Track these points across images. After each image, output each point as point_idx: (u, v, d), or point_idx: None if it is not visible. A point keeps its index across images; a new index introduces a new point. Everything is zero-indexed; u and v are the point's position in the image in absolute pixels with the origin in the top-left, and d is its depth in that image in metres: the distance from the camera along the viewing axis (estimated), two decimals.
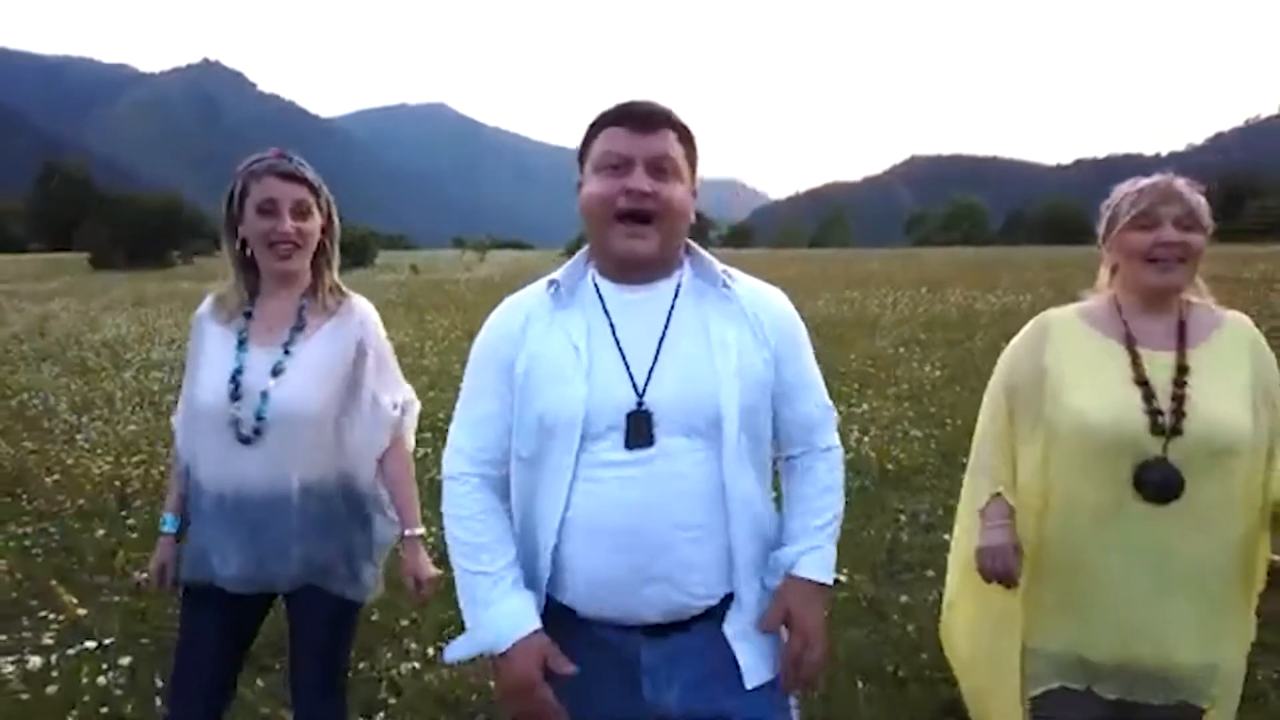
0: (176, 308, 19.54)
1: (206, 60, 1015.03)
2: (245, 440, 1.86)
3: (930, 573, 3.79)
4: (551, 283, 1.51)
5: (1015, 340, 2.00)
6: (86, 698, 2.87)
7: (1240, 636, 1.88)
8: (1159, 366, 1.80)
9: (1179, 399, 1.76)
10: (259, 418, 1.85)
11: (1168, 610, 1.78)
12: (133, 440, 6.55)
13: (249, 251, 1.93)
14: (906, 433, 6.39)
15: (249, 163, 1.92)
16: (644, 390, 1.41)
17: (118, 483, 5.35)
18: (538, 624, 1.43)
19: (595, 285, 1.50)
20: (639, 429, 1.39)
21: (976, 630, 2.04)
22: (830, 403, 1.62)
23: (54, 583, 3.86)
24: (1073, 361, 1.86)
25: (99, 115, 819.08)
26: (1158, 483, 1.74)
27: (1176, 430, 1.74)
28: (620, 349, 1.44)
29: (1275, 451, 1.80)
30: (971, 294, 17.74)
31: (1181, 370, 1.78)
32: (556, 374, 1.43)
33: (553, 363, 1.44)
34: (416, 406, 2.14)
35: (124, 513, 4.83)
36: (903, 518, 4.58)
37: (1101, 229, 1.91)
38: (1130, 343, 1.83)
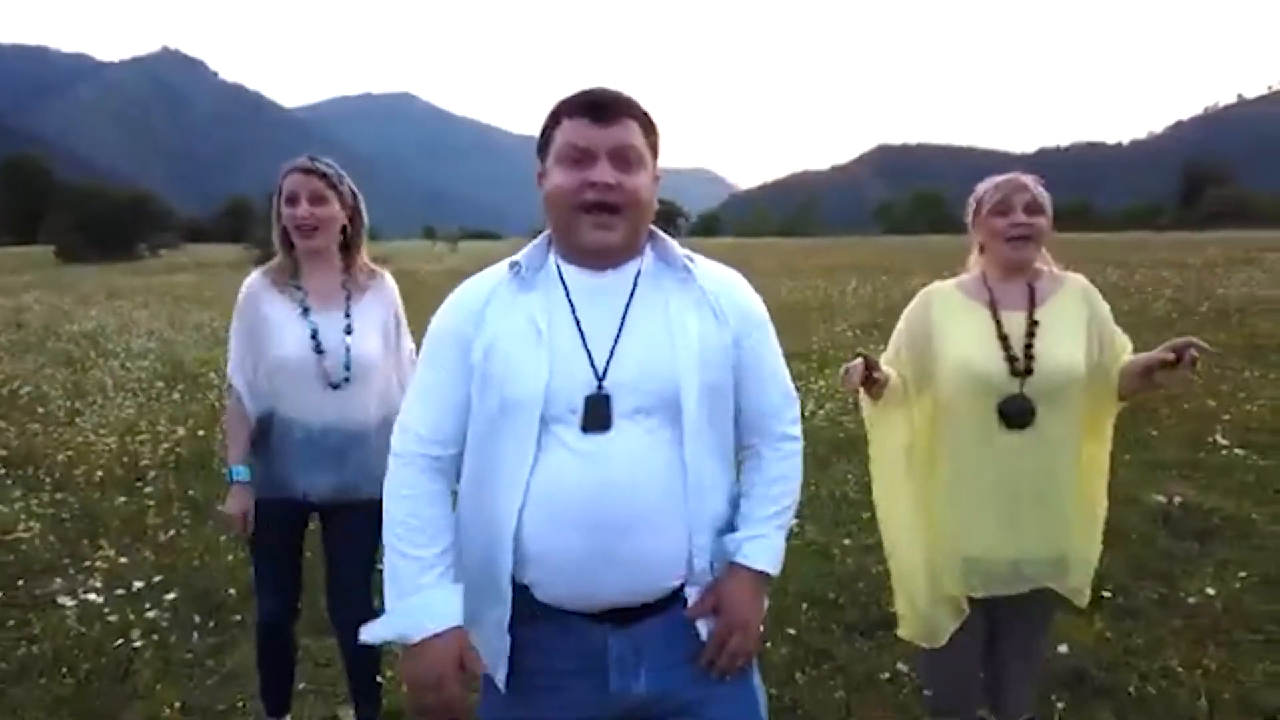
0: (151, 300, 19.69)
1: (166, 48, 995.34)
2: (335, 386, 2.35)
3: (866, 514, 4.30)
4: (513, 265, 1.50)
5: (909, 308, 2.49)
6: (137, 630, 3.30)
7: (1086, 533, 2.39)
8: (1015, 323, 2.29)
9: (1029, 348, 2.26)
10: (346, 368, 2.35)
11: (1027, 513, 2.29)
12: (133, 421, 6.88)
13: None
14: (858, 405, 6.93)
15: (284, 166, 2.38)
16: (604, 373, 1.41)
17: (126, 458, 5.71)
18: (458, 620, 1.43)
19: (558, 268, 1.49)
20: (595, 413, 1.39)
21: (894, 542, 2.54)
22: (793, 391, 1.62)
23: (86, 542, 4.28)
24: (950, 323, 2.35)
25: (56, 105, 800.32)
26: (1016, 413, 2.23)
27: (1029, 371, 2.24)
28: (581, 331, 1.44)
29: (1115, 361, 2.31)
30: (930, 280, 18.29)
31: (1031, 326, 2.29)
32: (517, 355, 1.43)
33: (514, 344, 1.44)
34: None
35: (139, 483, 5.21)
36: (850, 478, 5.10)
37: (969, 217, 2.41)
38: (993, 306, 2.33)
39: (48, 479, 5.36)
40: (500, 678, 1.48)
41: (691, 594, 1.48)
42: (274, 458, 2.45)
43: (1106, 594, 3.53)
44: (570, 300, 1.46)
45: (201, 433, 6.39)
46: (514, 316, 1.45)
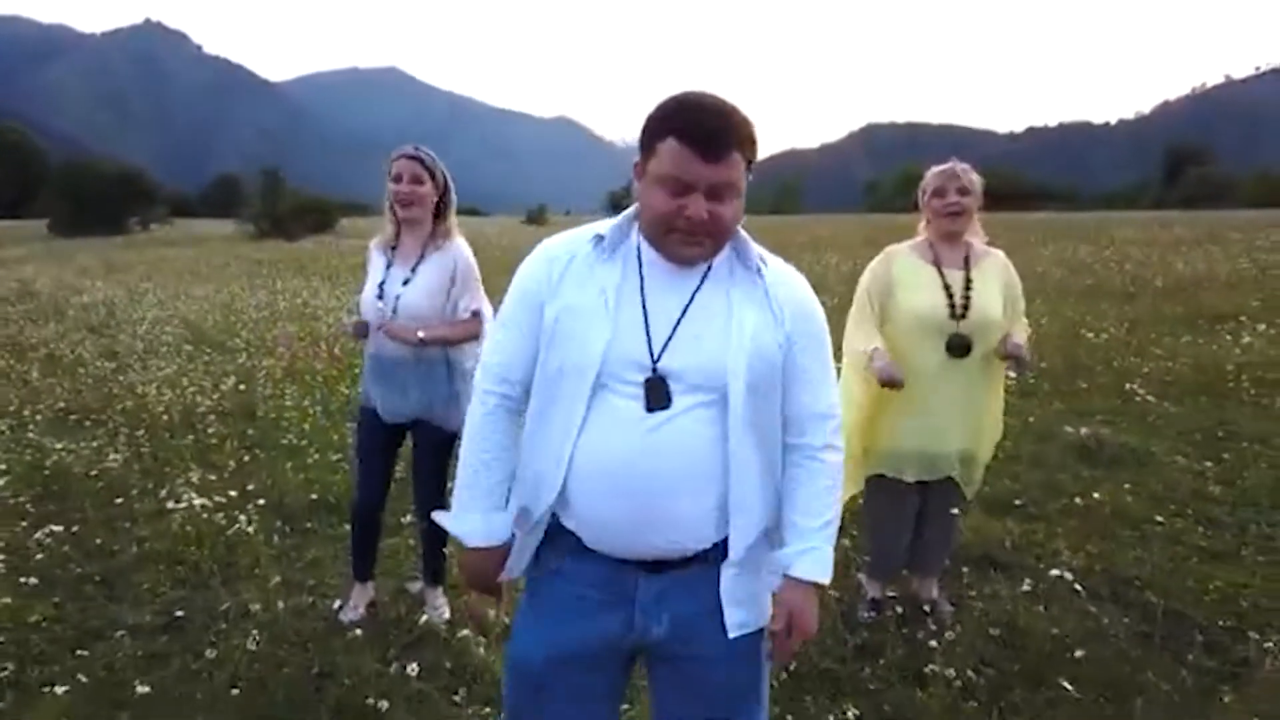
0: (152, 273, 20.19)
1: (148, 20, 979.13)
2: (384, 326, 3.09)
3: None
4: (597, 236, 1.58)
5: (872, 264, 3.23)
6: (231, 530, 4.06)
7: (990, 437, 3.19)
8: (955, 279, 3.05)
9: (966, 298, 3.03)
10: (394, 311, 3.08)
11: (955, 419, 3.06)
12: (175, 379, 7.53)
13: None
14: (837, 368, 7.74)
15: (395, 152, 3.12)
16: (659, 355, 1.50)
17: (182, 407, 6.41)
18: (505, 538, 1.67)
19: (638, 247, 1.57)
20: (657, 393, 1.48)
21: (848, 434, 3.32)
22: (837, 403, 1.67)
23: (168, 469, 5.02)
24: (906, 277, 3.11)
25: (35, 78, 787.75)
26: (959, 346, 3.00)
27: (965, 315, 3.01)
28: (645, 309, 1.52)
29: (1013, 322, 3.09)
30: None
31: (968, 281, 3.05)
32: (583, 324, 1.52)
33: (582, 313, 1.53)
34: (489, 311, 3.29)
35: (200, 425, 5.93)
36: None
37: (919, 198, 3.17)
38: (938, 265, 3.10)
39: (117, 423, 6.06)
40: (517, 571, 1.71)
41: (727, 574, 1.58)
42: (364, 375, 3.24)
43: (1018, 503, 4.36)
44: (642, 277, 1.55)
45: (242, 387, 7.10)
46: (587, 287, 1.55)
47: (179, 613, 3.46)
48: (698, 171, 1.44)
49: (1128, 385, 6.46)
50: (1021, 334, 3.09)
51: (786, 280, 1.61)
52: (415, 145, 3.12)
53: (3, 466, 5.06)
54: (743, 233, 1.57)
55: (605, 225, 1.58)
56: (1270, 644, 2.92)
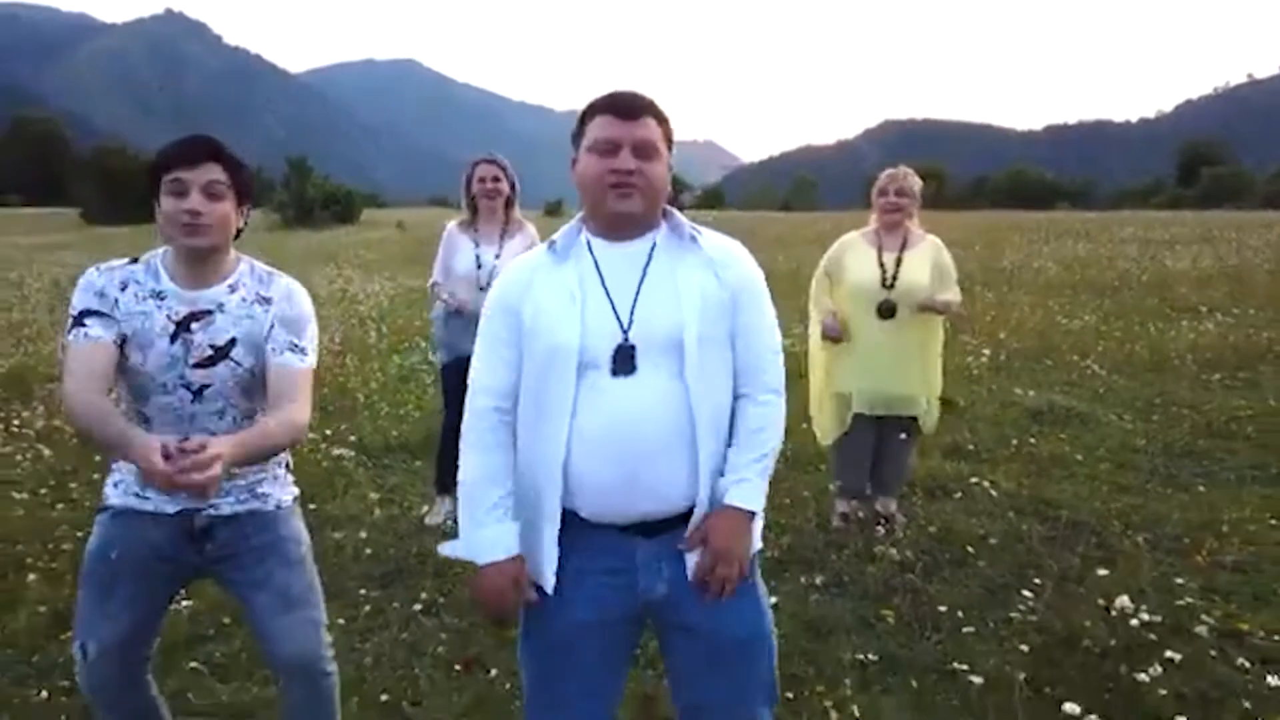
0: None
1: (169, 10, 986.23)
2: (483, 288, 4.01)
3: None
4: (550, 244, 1.77)
5: (831, 248, 4.17)
6: (326, 463, 5.03)
7: (933, 381, 4.12)
8: (889, 259, 3.99)
9: (896, 272, 3.96)
10: (490, 276, 4.01)
11: (896, 365, 3.99)
12: None
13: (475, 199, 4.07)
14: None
15: (475, 158, 4.06)
16: (628, 326, 1.67)
17: None
18: (515, 551, 1.71)
19: (588, 243, 1.76)
20: (623, 360, 1.66)
21: (817, 395, 4.26)
22: (779, 348, 1.82)
23: None
24: (851, 257, 4.05)
25: (57, 66, 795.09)
26: (886, 309, 3.94)
27: (893, 286, 3.94)
28: (608, 293, 1.70)
29: (942, 291, 4.01)
30: None
31: (899, 259, 3.98)
32: (558, 314, 1.68)
33: (554, 305, 1.70)
34: None
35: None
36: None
37: (872, 196, 4.09)
38: (879, 248, 4.03)
39: None
40: (549, 582, 1.74)
41: (696, 515, 1.71)
42: (452, 330, 4.18)
43: (971, 448, 5.28)
44: (599, 268, 1.73)
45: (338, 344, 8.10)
46: (553, 285, 1.72)
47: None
48: (619, 130, 1.67)
49: (1086, 363, 7.36)
50: (946, 294, 3.99)
51: (724, 246, 1.80)
52: (491, 153, 4.08)
53: None
54: (676, 212, 1.78)
55: (557, 235, 1.79)
56: (1141, 539, 3.85)
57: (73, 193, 48.35)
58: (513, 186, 4.14)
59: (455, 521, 4.21)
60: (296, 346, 1.98)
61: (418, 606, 3.43)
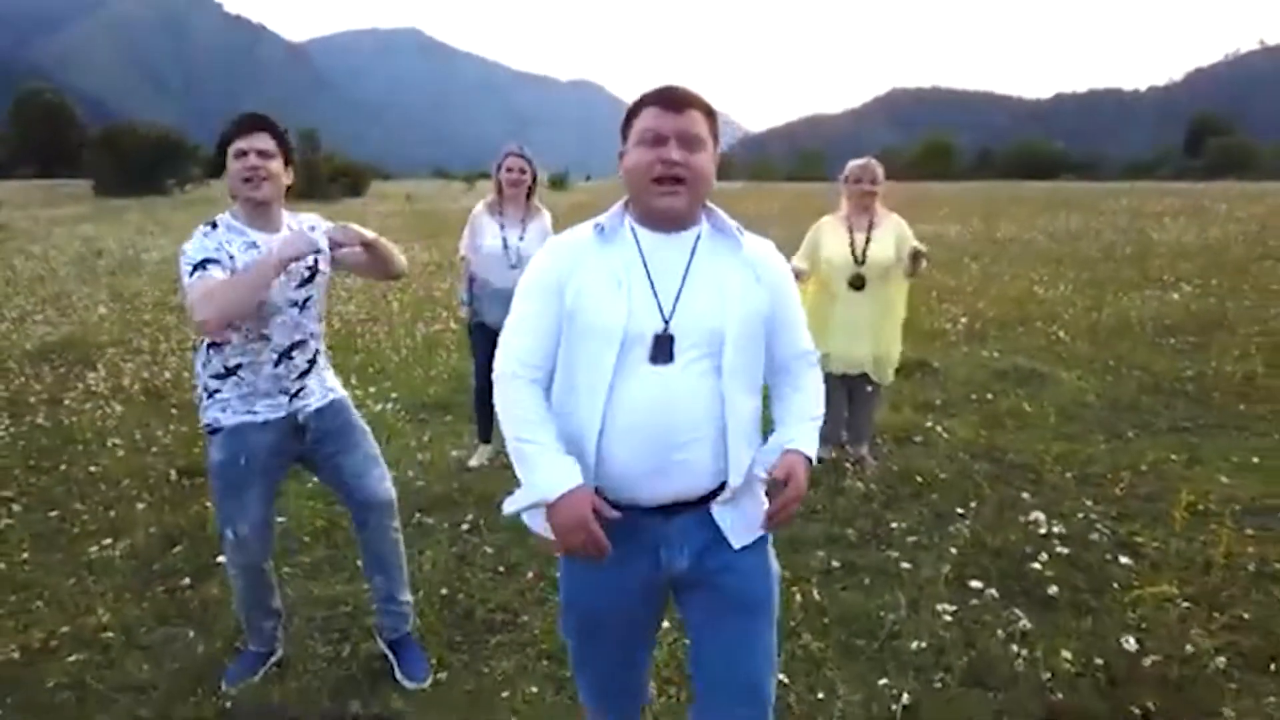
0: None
1: None
2: (512, 266, 4.70)
3: None
4: (597, 225, 1.78)
5: (811, 230, 4.85)
6: (368, 417, 5.75)
7: (893, 345, 4.81)
8: (859, 238, 4.67)
9: (865, 250, 4.64)
10: (519, 256, 4.69)
11: (866, 329, 4.68)
12: None
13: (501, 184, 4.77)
14: None
15: (504, 149, 4.73)
16: (670, 316, 1.72)
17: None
18: (581, 479, 1.70)
19: (633, 230, 1.79)
20: (662, 349, 1.70)
21: None
22: (812, 347, 1.95)
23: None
24: (827, 236, 4.73)
25: (57, 38, 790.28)
26: (856, 282, 4.63)
27: (864, 261, 4.63)
28: (651, 282, 1.74)
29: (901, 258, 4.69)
30: (913, 225, 20.56)
31: (868, 237, 4.66)
32: (602, 297, 1.72)
33: (599, 288, 1.73)
34: None
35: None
36: None
37: (840, 180, 4.76)
38: (850, 229, 4.70)
39: None
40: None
41: (725, 505, 1.80)
42: (479, 300, 4.86)
43: (938, 403, 5.98)
44: (643, 256, 1.75)
45: (337, 324, 8.78)
46: (598, 267, 1.75)
47: None
48: (666, 122, 1.70)
49: (1053, 329, 8.03)
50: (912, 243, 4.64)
51: (760, 247, 1.86)
52: (520, 146, 4.74)
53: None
54: (715, 207, 1.82)
55: (603, 217, 1.80)
56: (1069, 474, 4.57)
57: (84, 164, 48.90)
58: (534, 177, 4.80)
59: (491, 464, 4.97)
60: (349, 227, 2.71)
61: (465, 527, 4.16)
